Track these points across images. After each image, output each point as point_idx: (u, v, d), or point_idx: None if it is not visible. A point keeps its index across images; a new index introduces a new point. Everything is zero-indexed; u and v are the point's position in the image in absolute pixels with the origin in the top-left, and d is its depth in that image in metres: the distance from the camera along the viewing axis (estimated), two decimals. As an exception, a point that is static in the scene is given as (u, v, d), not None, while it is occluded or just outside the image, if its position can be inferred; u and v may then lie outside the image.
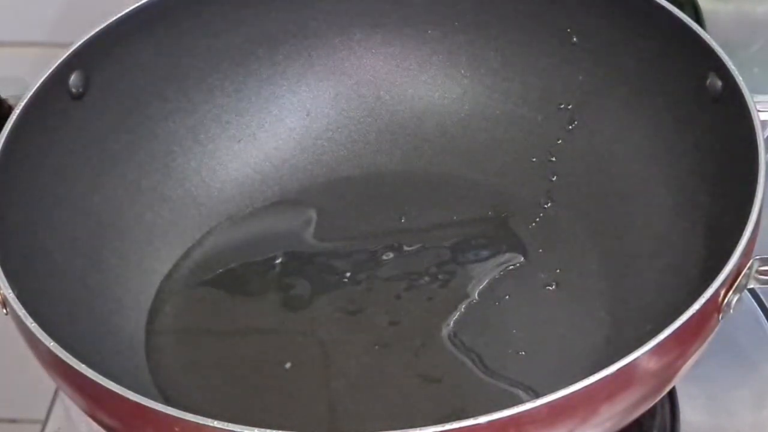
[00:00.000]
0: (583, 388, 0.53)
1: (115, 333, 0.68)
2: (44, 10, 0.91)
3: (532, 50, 0.77)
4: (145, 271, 0.72)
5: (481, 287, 0.71)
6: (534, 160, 0.77)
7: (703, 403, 0.70)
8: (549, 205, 0.75)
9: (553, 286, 0.71)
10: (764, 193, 0.60)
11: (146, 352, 0.69)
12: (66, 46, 0.70)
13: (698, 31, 0.68)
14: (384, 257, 0.74)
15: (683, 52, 0.69)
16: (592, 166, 0.75)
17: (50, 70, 0.68)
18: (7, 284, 0.59)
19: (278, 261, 0.74)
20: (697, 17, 0.82)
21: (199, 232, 0.75)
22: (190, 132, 0.77)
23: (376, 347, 0.68)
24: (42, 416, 0.75)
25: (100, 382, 0.54)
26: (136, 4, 0.72)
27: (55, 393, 0.74)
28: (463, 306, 0.70)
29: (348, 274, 0.73)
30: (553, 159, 0.76)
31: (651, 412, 0.67)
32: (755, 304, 0.73)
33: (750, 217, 0.59)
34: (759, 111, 0.64)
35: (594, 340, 0.67)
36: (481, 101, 0.79)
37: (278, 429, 0.51)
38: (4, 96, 0.71)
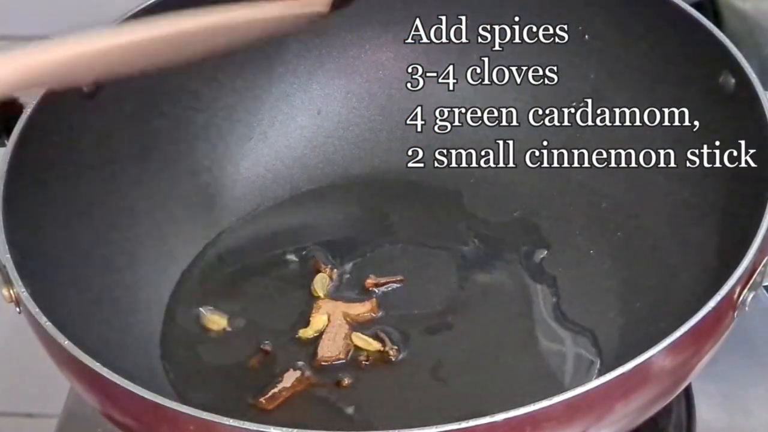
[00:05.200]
0: (598, 386, 0.53)
1: (130, 331, 0.68)
2: (55, 4, 0.91)
3: (544, 47, 0.77)
4: (158, 269, 0.72)
5: (493, 285, 0.71)
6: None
7: (719, 401, 0.70)
8: (560, 203, 0.75)
9: (565, 285, 0.71)
10: (779, 190, 0.60)
11: (161, 351, 0.69)
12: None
13: (711, 28, 0.68)
14: (395, 255, 0.73)
15: (696, 49, 0.69)
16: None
17: (62, 69, 0.68)
18: (20, 283, 0.59)
19: (291, 259, 0.74)
20: (716, 16, 0.82)
21: (212, 231, 0.75)
22: (201, 130, 0.77)
23: (391, 345, 0.68)
24: (58, 411, 0.75)
25: (115, 381, 0.54)
26: (147, 3, 0.72)
27: (71, 388, 0.74)
28: (475, 301, 0.70)
29: (361, 271, 0.72)
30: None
31: (667, 410, 0.67)
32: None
33: (765, 213, 0.59)
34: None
35: (608, 339, 0.67)
36: (492, 99, 0.78)
37: (294, 428, 0.51)
38: (15, 95, 0.71)
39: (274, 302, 0.72)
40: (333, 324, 0.69)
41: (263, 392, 0.66)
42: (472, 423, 0.51)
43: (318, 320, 0.69)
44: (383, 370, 0.67)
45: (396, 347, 0.68)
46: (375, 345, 0.68)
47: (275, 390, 0.66)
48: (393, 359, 0.68)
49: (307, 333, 0.69)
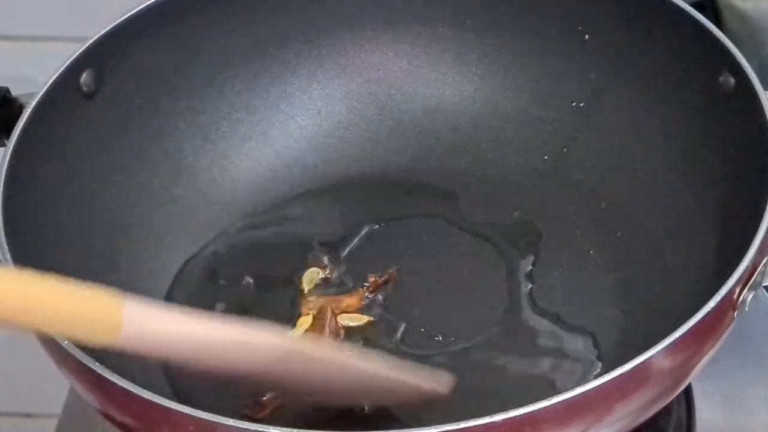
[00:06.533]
0: (598, 386, 0.53)
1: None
2: (55, 4, 0.91)
3: (544, 48, 0.77)
4: (157, 269, 0.72)
5: (493, 284, 0.71)
6: (546, 158, 0.77)
7: (719, 401, 0.70)
8: (561, 203, 0.75)
9: (566, 285, 0.71)
10: (778, 190, 0.60)
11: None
12: (77, 41, 0.70)
13: (711, 28, 0.68)
14: (396, 255, 0.73)
15: (696, 49, 0.69)
16: (604, 164, 0.75)
17: (61, 69, 0.68)
18: (20, 283, 0.59)
19: (290, 259, 0.73)
20: (716, 15, 0.82)
21: (211, 231, 0.75)
22: (201, 131, 0.77)
23: (390, 345, 0.68)
24: (57, 411, 0.75)
25: (114, 381, 0.54)
26: (147, 3, 0.72)
27: (70, 388, 0.74)
28: (475, 301, 0.70)
29: (360, 271, 0.72)
30: (566, 156, 0.76)
31: (667, 410, 0.67)
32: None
33: (765, 213, 0.59)
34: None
35: (607, 339, 0.67)
36: (492, 99, 0.79)
37: (293, 427, 0.51)
38: (15, 94, 0.71)
39: (273, 302, 0.72)
40: (320, 319, 0.69)
41: (252, 401, 0.66)
42: (471, 423, 0.51)
43: (304, 320, 0.69)
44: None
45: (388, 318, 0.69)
46: (363, 318, 0.69)
47: (264, 398, 0.66)
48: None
49: (295, 334, 0.69)
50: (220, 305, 0.71)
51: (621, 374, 0.53)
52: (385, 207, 0.76)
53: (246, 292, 0.72)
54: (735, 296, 0.57)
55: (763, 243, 0.58)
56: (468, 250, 0.74)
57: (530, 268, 0.72)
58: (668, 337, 0.54)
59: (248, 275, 0.73)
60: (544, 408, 0.52)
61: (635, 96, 0.74)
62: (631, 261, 0.71)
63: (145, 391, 0.53)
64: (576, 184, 0.75)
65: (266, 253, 0.74)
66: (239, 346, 0.57)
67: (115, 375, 0.54)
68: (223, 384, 0.63)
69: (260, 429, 0.51)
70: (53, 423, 0.75)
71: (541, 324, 0.69)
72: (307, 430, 0.51)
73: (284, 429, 0.51)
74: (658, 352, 0.54)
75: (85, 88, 0.70)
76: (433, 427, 0.51)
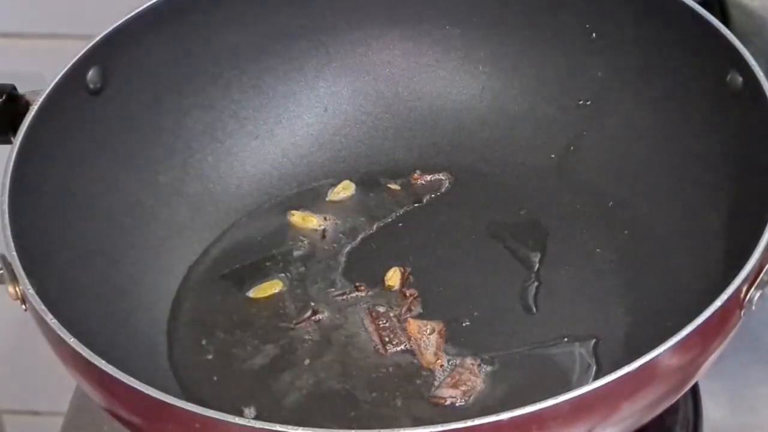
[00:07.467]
0: (604, 385, 0.53)
1: (135, 329, 0.68)
2: (61, 1, 0.91)
3: (551, 46, 0.77)
4: (163, 267, 0.72)
5: (499, 283, 0.71)
6: (552, 156, 0.77)
7: (726, 400, 0.70)
8: (567, 201, 0.75)
9: (572, 284, 0.71)
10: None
11: (166, 348, 0.69)
12: (83, 38, 0.70)
13: (719, 27, 0.68)
14: (402, 252, 0.73)
15: (703, 48, 0.69)
16: (610, 162, 0.75)
17: (68, 66, 0.69)
18: (26, 280, 0.59)
19: (297, 257, 0.73)
20: (723, 13, 0.82)
21: (217, 228, 0.75)
22: (208, 128, 0.77)
23: (391, 345, 0.68)
24: (64, 409, 0.75)
25: (120, 378, 0.54)
26: (153, 0, 0.72)
27: (77, 386, 0.74)
28: (480, 299, 0.70)
29: (368, 264, 0.72)
30: (572, 155, 0.76)
31: (674, 409, 0.67)
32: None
33: (772, 212, 0.59)
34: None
35: (614, 338, 0.67)
36: (499, 97, 0.79)
37: (299, 425, 0.51)
38: (21, 91, 0.71)
39: (280, 298, 0.72)
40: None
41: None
42: (477, 422, 0.51)
43: None
44: (385, 372, 0.67)
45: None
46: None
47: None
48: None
49: None
50: (227, 303, 0.72)
51: (628, 373, 0.53)
52: (391, 205, 0.76)
53: (254, 289, 0.72)
54: (742, 295, 0.57)
55: (770, 242, 0.58)
56: (475, 249, 0.74)
57: (537, 266, 0.72)
58: (675, 336, 0.54)
59: (255, 272, 0.73)
60: (552, 406, 0.52)
61: (642, 94, 0.74)
62: (637, 260, 0.71)
63: (151, 388, 0.53)
64: (583, 183, 0.75)
65: (273, 250, 0.74)
66: None
67: (122, 373, 0.54)
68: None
69: (266, 427, 0.51)
70: (60, 421, 0.75)
71: (547, 322, 0.69)
72: (307, 429, 0.51)
73: (285, 427, 0.51)
74: (665, 350, 0.54)
75: (91, 86, 0.70)
76: (438, 425, 0.51)
